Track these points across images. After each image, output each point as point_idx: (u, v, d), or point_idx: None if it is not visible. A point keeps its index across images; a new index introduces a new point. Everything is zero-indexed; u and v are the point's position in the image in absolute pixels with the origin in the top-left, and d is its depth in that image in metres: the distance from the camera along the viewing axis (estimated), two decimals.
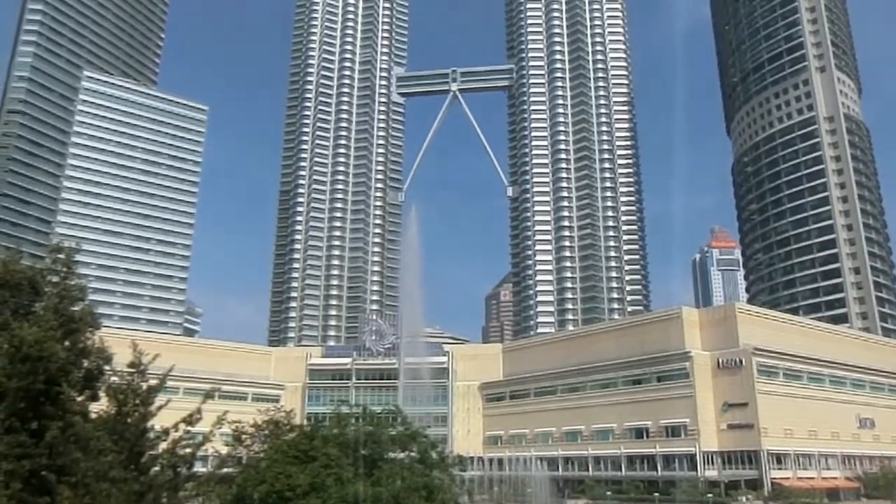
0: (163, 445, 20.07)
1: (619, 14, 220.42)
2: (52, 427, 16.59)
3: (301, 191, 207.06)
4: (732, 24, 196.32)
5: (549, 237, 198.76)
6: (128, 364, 20.18)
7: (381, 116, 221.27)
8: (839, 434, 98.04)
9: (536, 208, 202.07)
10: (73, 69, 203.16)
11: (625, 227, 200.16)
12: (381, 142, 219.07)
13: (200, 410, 20.07)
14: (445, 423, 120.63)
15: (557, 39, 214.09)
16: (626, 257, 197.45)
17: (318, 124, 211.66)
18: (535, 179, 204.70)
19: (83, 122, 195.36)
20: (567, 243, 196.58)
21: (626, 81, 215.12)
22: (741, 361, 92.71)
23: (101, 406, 19.96)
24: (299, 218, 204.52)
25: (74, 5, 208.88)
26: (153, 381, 20.25)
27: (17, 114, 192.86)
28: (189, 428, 20.35)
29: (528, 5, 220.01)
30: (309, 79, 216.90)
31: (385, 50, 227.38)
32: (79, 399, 18.79)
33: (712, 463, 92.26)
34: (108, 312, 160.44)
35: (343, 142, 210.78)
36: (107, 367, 20.01)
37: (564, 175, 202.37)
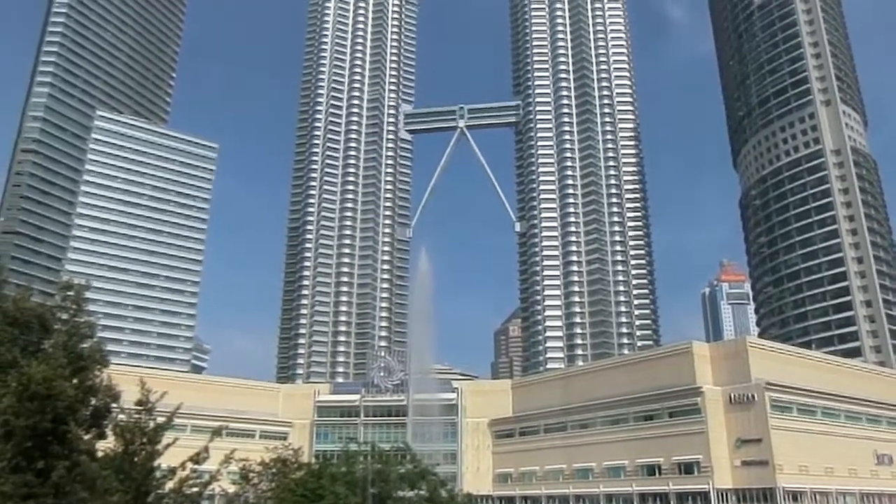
0: (170, 485, 19.89)
1: (625, 50, 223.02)
2: (58, 466, 16.47)
3: (309, 227, 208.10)
4: (737, 58, 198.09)
5: (557, 272, 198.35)
6: (136, 402, 20.12)
7: (389, 153, 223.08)
8: (857, 471, 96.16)
9: (544, 243, 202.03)
10: (86, 109, 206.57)
11: (633, 262, 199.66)
12: (388, 178, 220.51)
13: (208, 449, 19.92)
14: (454, 461, 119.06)
15: (563, 76, 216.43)
16: (635, 292, 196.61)
17: (327, 161, 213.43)
18: (542, 215, 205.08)
19: (95, 161, 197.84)
20: (576, 278, 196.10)
21: (632, 116, 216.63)
22: (754, 396, 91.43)
23: (108, 444, 19.84)
24: (308, 254, 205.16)
25: (89, 47, 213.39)
26: (161, 419, 20.16)
27: (30, 153, 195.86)
28: (196, 466, 20.18)
29: (535, 42, 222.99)
30: (318, 116, 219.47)
31: (393, 87, 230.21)
32: (86, 437, 18.69)
33: (726, 500, 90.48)
34: (117, 349, 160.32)
35: (351, 178, 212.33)
36: (114, 405, 19.94)
37: (572, 210, 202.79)
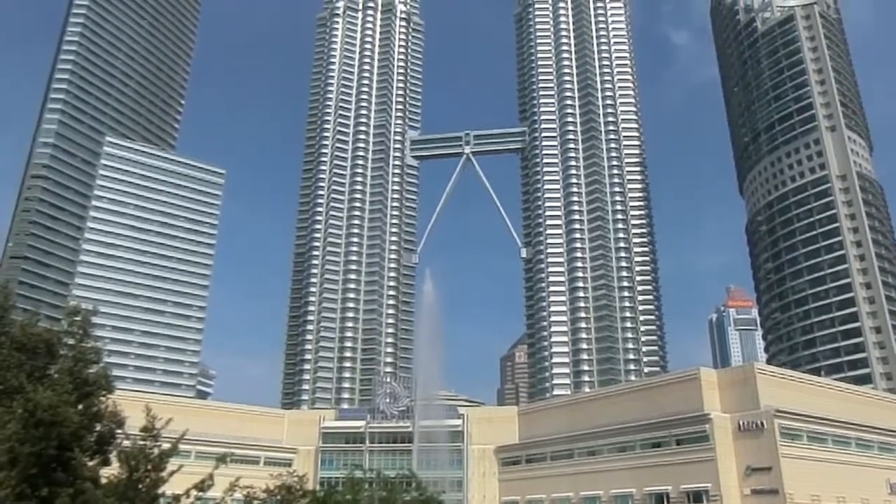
0: None
1: (630, 76, 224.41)
2: (62, 494, 16.37)
3: (315, 253, 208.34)
4: (741, 84, 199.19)
5: (563, 298, 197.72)
6: (141, 428, 20.03)
7: (396, 179, 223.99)
8: (869, 501, 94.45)
9: (550, 269, 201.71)
10: (95, 135, 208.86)
11: (640, 288, 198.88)
12: (395, 204, 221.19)
13: (213, 477, 19.78)
14: (460, 488, 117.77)
15: (569, 102, 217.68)
16: (641, 318, 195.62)
17: (333, 187, 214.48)
18: (548, 241, 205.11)
19: (103, 186, 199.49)
20: (582, 304, 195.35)
21: (637, 143, 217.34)
22: (763, 424, 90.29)
23: (112, 471, 19.72)
24: (314, 280, 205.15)
25: (99, 74, 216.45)
26: (166, 446, 20.05)
27: (40, 178, 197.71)
28: (201, 494, 20.03)
29: (540, 69, 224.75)
30: (324, 142, 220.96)
31: (399, 114, 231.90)
32: (90, 464, 18.60)
33: None
34: (122, 375, 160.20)
35: (357, 204, 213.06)
36: (119, 431, 19.87)
37: (578, 236, 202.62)
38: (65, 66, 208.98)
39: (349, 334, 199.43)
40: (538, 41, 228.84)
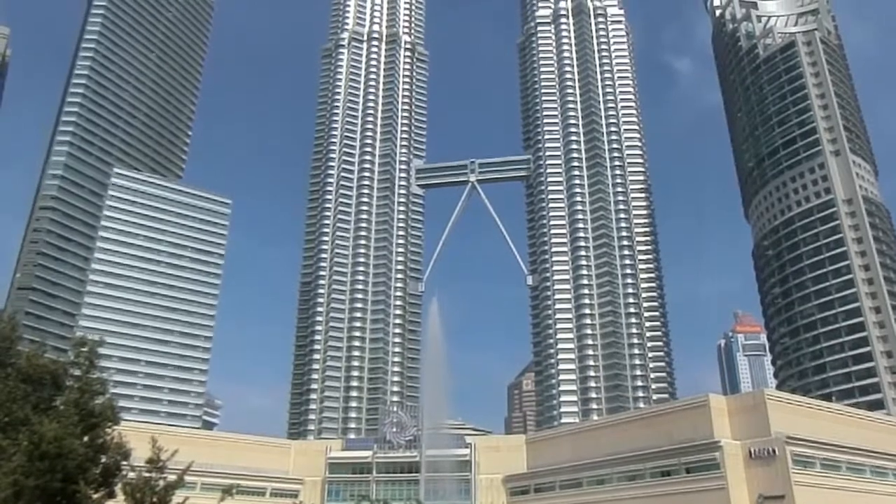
0: None
1: (633, 102, 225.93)
2: None
3: (322, 282, 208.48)
4: (744, 110, 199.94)
5: (570, 325, 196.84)
6: (146, 460, 19.93)
7: (401, 208, 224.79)
8: None
9: (557, 297, 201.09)
10: (103, 166, 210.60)
11: (647, 314, 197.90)
12: (400, 233, 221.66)
13: None
14: None
15: (573, 129, 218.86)
16: (649, 344, 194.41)
17: (339, 216, 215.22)
18: (554, 268, 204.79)
19: (111, 217, 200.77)
20: (589, 331, 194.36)
21: (642, 168, 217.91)
22: (774, 451, 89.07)
23: None
24: (320, 309, 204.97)
25: (108, 106, 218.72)
26: (171, 477, 19.92)
27: (48, 210, 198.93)
28: None
29: (544, 97, 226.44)
30: (330, 172, 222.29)
31: (404, 143, 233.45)
32: (95, 497, 18.47)
33: None
34: (128, 405, 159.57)
35: (363, 233, 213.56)
36: (125, 463, 19.75)
37: (584, 263, 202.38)
38: (74, 99, 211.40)
39: (355, 363, 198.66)
40: (542, 69, 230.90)
